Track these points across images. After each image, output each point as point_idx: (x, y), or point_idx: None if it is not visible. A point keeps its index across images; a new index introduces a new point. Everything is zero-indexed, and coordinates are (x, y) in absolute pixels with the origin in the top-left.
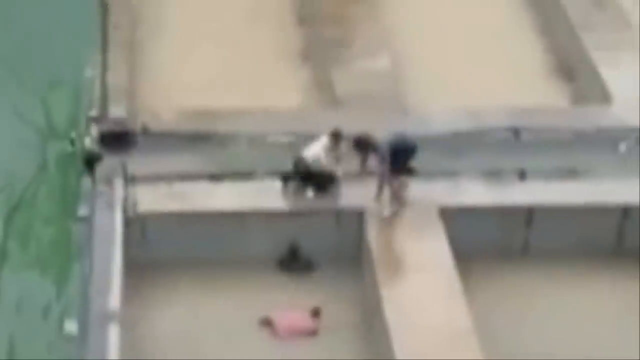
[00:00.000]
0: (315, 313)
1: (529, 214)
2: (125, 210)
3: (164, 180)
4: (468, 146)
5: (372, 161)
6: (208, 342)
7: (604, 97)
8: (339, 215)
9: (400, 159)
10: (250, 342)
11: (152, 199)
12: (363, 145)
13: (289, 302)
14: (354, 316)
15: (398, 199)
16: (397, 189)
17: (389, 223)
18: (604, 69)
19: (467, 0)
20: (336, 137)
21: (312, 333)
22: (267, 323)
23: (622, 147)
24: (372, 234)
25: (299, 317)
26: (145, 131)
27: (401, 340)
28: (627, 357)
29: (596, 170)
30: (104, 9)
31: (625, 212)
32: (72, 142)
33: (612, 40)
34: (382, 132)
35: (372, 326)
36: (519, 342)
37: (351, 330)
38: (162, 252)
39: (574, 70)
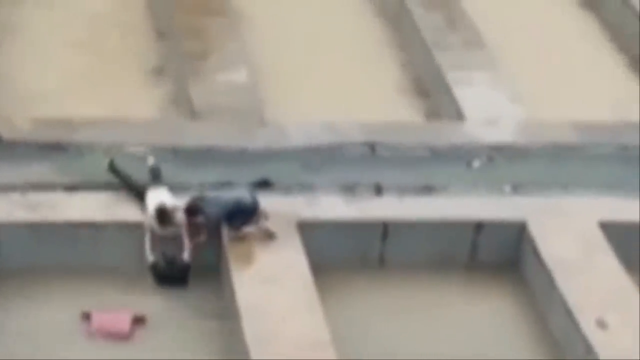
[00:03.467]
0: (138, 320)
1: (384, 228)
2: None
3: (18, 190)
4: (325, 160)
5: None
6: (49, 348)
7: (457, 114)
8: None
9: (237, 219)
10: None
11: (5, 209)
12: (193, 212)
13: (134, 310)
14: (195, 327)
15: (267, 234)
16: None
17: (245, 235)
18: (457, 88)
19: (326, 15)
20: (162, 213)
21: (124, 338)
22: (86, 318)
23: (476, 163)
24: (230, 246)
25: (116, 320)
26: None
27: (259, 351)
28: None
29: (450, 186)
30: None
31: (478, 227)
32: None
33: (465, 60)
34: (241, 143)
35: (229, 337)
36: (376, 352)
37: (189, 341)
38: (16, 263)
39: (428, 88)
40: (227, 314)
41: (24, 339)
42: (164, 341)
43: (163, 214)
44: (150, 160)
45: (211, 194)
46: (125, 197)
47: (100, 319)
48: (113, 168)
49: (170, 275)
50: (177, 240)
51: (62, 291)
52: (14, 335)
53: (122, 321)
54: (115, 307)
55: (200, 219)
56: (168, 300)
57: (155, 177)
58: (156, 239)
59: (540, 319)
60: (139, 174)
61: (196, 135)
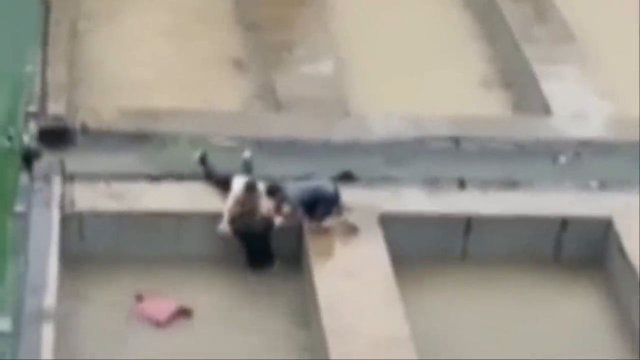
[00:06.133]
0: (182, 311)
1: (467, 223)
2: (62, 208)
3: (103, 179)
4: (408, 154)
5: (286, 207)
6: (136, 335)
7: (544, 108)
8: None
9: (318, 209)
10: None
11: (90, 198)
12: (275, 193)
13: (210, 299)
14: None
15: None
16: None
17: (327, 228)
18: (545, 81)
19: (414, 7)
20: (251, 186)
21: (158, 325)
22: (138, 299)
23: (562, 159)
24: (311, 239)
25: (159, 307)
26: (85, 129)
27: (337, 346)
28: None
29: (535, 182)
30: (46, 4)
31: (564, 223)
32: (10, 138)
33: (554, 53)
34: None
35: (309, 332)
36: (457, 348)
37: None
38: (100, 251)
39: (515, 81)
40: (305, 305)
41: (93, 322)
42: (207, 334)
43: (252, 187)
44: (247, 154)
45: (292, 182)
46: (208, 188)
47: (147, 303)
48: (204, 161)
49: (251, 229)
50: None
51: (139, 279)
52: (87, 318)
53: (164, 309)
54: (184, 297)
55: (286, 207)
56: (242, 293)
57: (247, 170)
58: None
59: (625, 316)
60: (225, 167)
61: (280, 127)
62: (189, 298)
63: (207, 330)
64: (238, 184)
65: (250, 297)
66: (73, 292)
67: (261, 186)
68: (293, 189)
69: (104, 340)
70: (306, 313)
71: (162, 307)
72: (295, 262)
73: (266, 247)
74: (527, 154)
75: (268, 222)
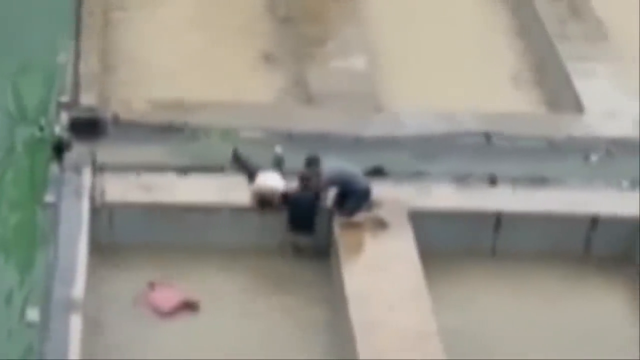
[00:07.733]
0: (189, 305)
1: (497, 219)
2: (92, 199)
3: (133, 171)
4: (439, 149)
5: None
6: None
7: (577, 106)
8: None
9: (348, 203)
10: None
11: (120, 189)
12: (312, 164)
13: (238, 289)
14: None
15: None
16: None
17: (357, 223)
18: (577, 79)
19: (447, 2)
20: (262, 200)
21: (160, 315)
22: (150, 287)
23: (594, 157)
24: (340, 233)
25: (165, 297)
26: (116, 120)
27: (364, 339)
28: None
29: (566, 179)
30: None
31: (594, 221)
32: (42, 128)
33: (587, 51)
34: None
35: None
36: (483, 343)
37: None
38: (129, 243)
39: (547, 78)
40: (334, 299)
41: (108, 309)
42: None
43: (263, 201)
44: (278, 149)
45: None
46: (237, 181)
47: (155, 292)
48: (236, 157)
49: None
50: None
51: (163, 270)
52: (104, 305)
53: (169, 300)
54: (201, 289)
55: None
56: (265, 287)
57: (278, 165)
58: None
59: None
60: (254, 159)
61: (311, 121)
62: (206, 290)
63: (211, 324)
64: (262, 178)
65: (273, 291)
66: (97, 281)
67: (278, 184)
68: (329, 168)
69: (111, 327)
70: (328, 312)
71: (168, 298)
72: (323, 256)
73: (310, 215)
74: (558, 152)
75: (317, 194)
